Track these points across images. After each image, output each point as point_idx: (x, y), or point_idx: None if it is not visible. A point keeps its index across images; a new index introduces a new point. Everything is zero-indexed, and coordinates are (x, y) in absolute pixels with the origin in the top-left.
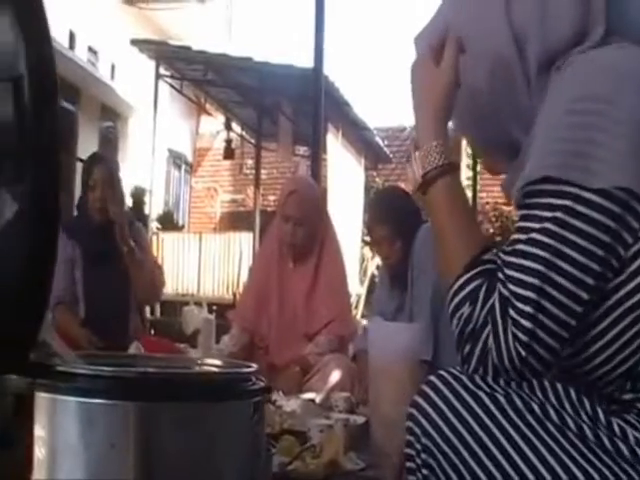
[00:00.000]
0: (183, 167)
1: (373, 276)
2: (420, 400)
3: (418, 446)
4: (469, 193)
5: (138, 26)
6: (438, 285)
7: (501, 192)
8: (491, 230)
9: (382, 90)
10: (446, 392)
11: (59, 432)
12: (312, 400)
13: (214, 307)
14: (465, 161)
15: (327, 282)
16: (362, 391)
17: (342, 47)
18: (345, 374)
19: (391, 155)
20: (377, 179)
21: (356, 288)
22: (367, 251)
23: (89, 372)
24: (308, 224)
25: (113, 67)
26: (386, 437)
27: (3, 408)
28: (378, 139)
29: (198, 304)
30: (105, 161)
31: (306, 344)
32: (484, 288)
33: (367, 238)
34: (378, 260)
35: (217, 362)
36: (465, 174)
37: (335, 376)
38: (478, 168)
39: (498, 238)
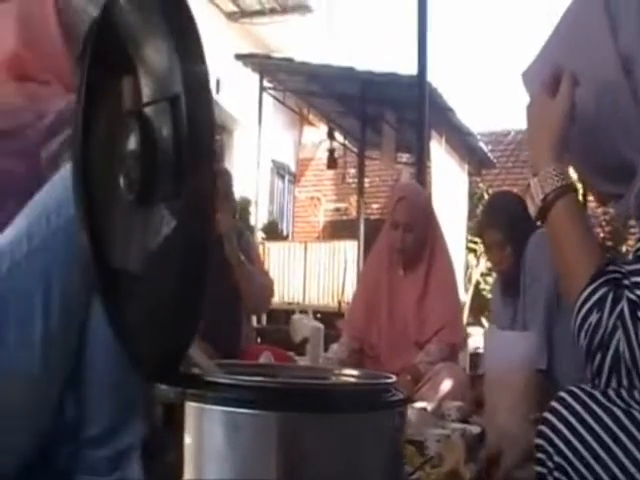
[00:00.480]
0: (287, 177)
1: (477, 283)
2: (551, 417)
3: (550, 464)
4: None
5: (241, 40)
6: (551, 292)
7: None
8: (602, 234)
9: (485, 95)
10: (579, 409)
11: (206, 440)
12: (424, 409)
13: (319, 315)
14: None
15: (437, 289)
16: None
17: (444, 52)
18: (456, 383)
19: (495, 160)
20: (481, 185)
21: (461, 295)
22: (471, 258)
23: (236, 382)
24: (417, 230)
25: (218, 82)
26: (502, 447)
27: (154, 416)
28: (481, 144)
29: (304, 312)
30: (220, 173)
31: (417, 352)
32: (611, 295)
33: (471, 245)
34: (483, 267)
35: (354, 372)
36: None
37: (446, 385)
38: None
39: (609, 243)
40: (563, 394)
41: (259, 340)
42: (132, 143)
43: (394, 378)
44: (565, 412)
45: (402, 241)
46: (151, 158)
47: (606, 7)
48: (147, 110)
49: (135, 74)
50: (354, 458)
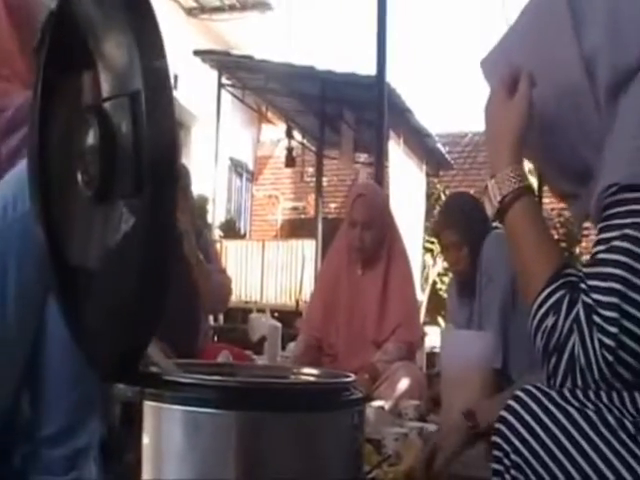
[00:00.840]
0: (244, 175)
1: (434, 283)
2: (508, 416)
3: (507, 462)
4: None
5: (201, 37)
6: (507, 293)
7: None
8: (556, 236)
9: (443, 96)
10: (535, 408)
11: (165, 439)
12: (382, 408)
13: (276, 314)
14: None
15: (395, 288)
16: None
17: (403, 54)
18: (414, 382)
19: (452, 162)
20: (438, 185)
21: (418, 295)
22: (428, 258)
23: (195, 382)
24: (376, 228)
25: (176, 77)
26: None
27: (112, 416)
28: (439, 145)
29: (261, 311)
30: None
31: (374, 351)
32: (567, 299)
33: (428, 245)
34: (439, 267)
35: (313, 371)
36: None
37: (404, 383)
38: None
39: (563, 244)
40: (519, 393)
41: (216, 339)
42: (91, 139)
43: (353, 377)
44: (522, 411)
45: (360, 239)
46: (110, 154)
47: (569, 3)
48: (106, 105)
49: (95, 69)
50: (313, 457)
